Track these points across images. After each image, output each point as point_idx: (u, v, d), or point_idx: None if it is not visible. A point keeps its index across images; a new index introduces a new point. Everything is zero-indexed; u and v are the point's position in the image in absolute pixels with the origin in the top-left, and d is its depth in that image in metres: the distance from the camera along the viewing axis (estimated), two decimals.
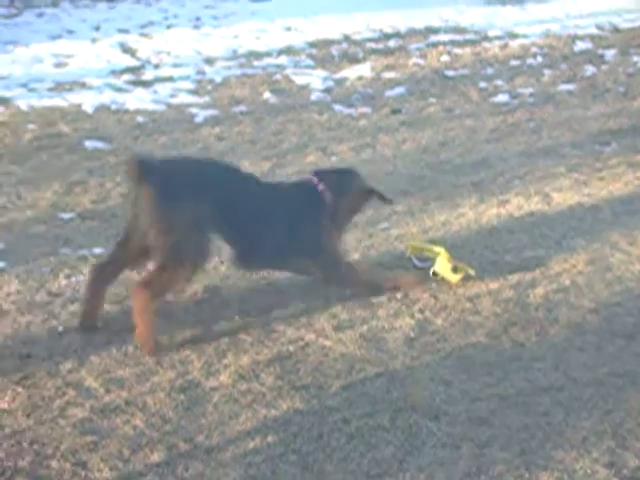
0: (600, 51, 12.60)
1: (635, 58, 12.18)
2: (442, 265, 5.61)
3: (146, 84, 10.72)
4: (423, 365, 4.73)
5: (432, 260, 5.71)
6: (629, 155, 8.17)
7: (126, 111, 9.59)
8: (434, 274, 5.63)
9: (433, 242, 5.95)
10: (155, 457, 4.02)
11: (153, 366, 4.76)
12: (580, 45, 12.99)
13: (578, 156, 8.17)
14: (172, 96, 10.28)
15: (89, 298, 5.19)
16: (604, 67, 11.83)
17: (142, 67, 11.49)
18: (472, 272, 5.62)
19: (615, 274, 5.73)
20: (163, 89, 10.50)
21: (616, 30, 13.89)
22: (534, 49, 12.72)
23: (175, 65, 11.62)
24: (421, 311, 5.31)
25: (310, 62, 12.00)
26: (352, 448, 4.06)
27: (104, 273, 5.20)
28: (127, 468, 3.95)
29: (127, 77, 10.91)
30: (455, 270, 5.59)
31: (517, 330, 5.07)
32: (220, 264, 5.96)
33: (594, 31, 13.76)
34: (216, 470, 3.93)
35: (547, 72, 11.57)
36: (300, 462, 3.97)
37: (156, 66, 11.58)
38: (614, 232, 6.35)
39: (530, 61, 12.12)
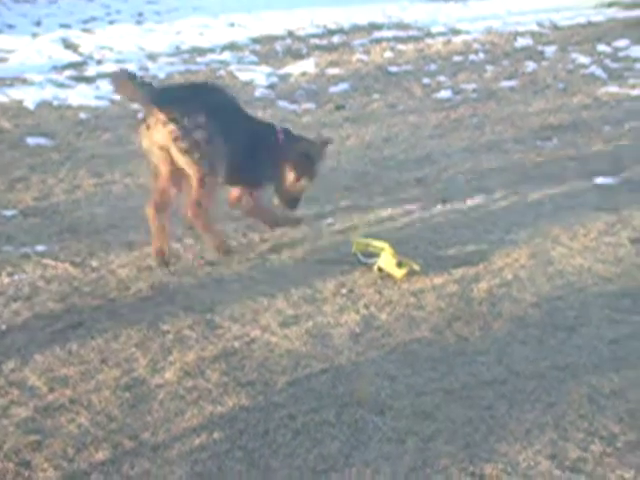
0: (540, 47, 12.74)
1: (574, 55, 12.33)
2: (387, 260, 5.65)
3: (89, 80, 10.64)
4: (368, 360, 4.75)
5: (377, 256, 5.74)
6: (570, 150, 8.27)
7: (68, 107, 9.51)
8: (379, 269, 5.67)
9: (377, 238, 5.98)
10: (100, 455, 4.00)
11: (98, 364, 4.73)
12: (521, 41, 13.12)
13: (520, 151, 8.26)
14: (115, 92, 10.19)
15: (156, 235, 5.84)
16: (544, 63, 11.97)
17: (84, 63, 11.40)
18: (416, 267, 5.66)
19: (556, 268, 5.80)
20: (106, 85, 10.42)
21: (555, 27, 14.06)
22: (476, 45, 12.83)
23: (118, 61, 11.54)
24: (366, 306, 5.34)
25: (254, 58, 11.99)
26: (298, 444, 4.07)
27: (159, 208, 5.82)
28: (72, 467, 3.92)
29: (69, 73, 10.82)
30: (399, 265, 5.63)
31: (461, 324, 5.11)
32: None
33: (534, 28, 13.91)
34: (162, 468, 3.92)
35: (489, 68, 11.68)
36: (246, 458, 3.97)
37: (99, 62, 11.49)
38: (555, 226, 6.43)
39: (472, 57, 12.22)
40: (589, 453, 3.98)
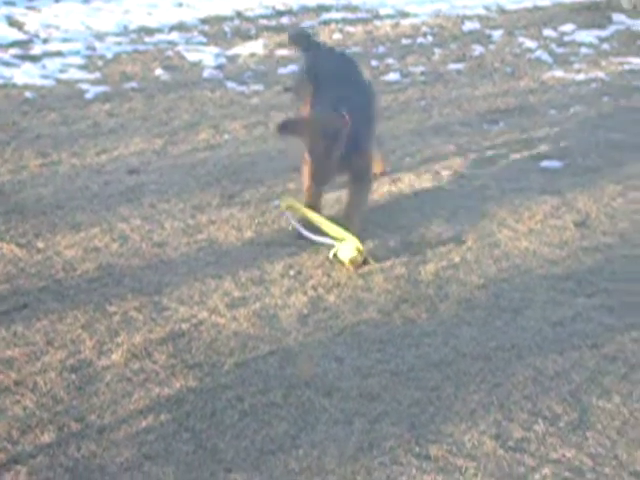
0: (488, 31, 12.79)
1: (521, 39, 12.40)
2: (346, 251, 5.59)
3: (34, 59, 10.50)
4: (316, 342, 4.77)
5: (329, 237, 5.71)
6: (516, 133, 8.33)
7: (14, 86, 9.38)
8: (335, 257, 5.62)
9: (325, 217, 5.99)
10: (46, 438, 3.98)
11: (43, 346, 4.70)
12: (469, 25, 13.16)
13: (467, 134, 8.30)
14: (61, 71, 10.09)
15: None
16: (492, 47, 12.03)
17: (30, 41, 11.24)
18: (372, 261, 5.63)
19: (502, 250, 5.86)
20: (52, 64, 10.29)
21: (502, 11, 14.11)
22: (424, 28, 12.85)
23: (64, 40, 11.40)
24: (314, 288, 5.35)
25: (202, 39, 11.92)
26: (245, 425, 4.08)
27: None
28: (16, 449, 3.90)
29: (14, 51, 10.67)
30: (357, 257, 5.58)
31: (408, 307, 5.15)
32: (112, 241, 5.90)
33: (482, 12, 13.95)
34: (109, 449, 3.91)
35: (437, 51, 11.71)
36: (193, 440, 3.98)
37: (45, 40, 11.34)
38: (501, 209, 6.48)
39: (421, 40, 12.24)
40: (532, 433, 4.03)
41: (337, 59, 6.89)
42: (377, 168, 6.76)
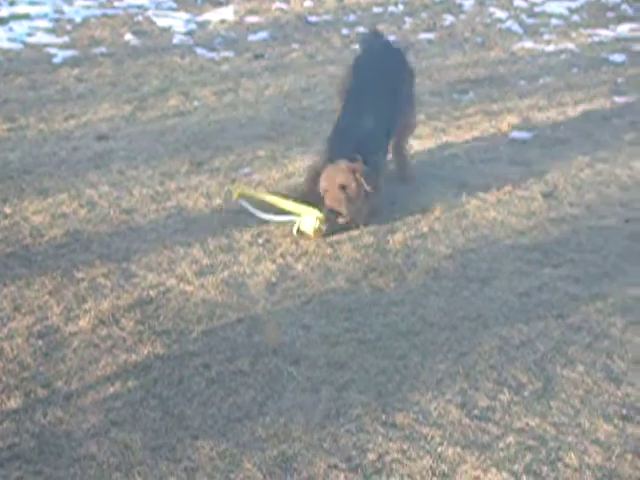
0: (458, 1, 12.78)
1: (491, 9, 12.40)
2: (308, 223, 5.59)
3: (1, 21, 10.38)
4: (284, 310, 4.78)
5: (286, 213, 5.69)
6: (485, 104, 8.35)
7: None
8: (299, 231, 5.62)
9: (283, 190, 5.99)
10: (12, 403, 3.97)
11: (10, 312, 4.68)
12: None
13: (437, 104, 8.31)
14: (29, 35, 9.99)
15: None
16: (462, 17, 12.02)
17: None
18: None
19: (470, 221, 5.88)
20: (19, 27, 10.19)
21: None
22: None
23: (32, 3, 11.27)
24: (282, 256, 5.36)
25: (172, 4, 11.82)
26: (212, 393, 4.09)
27: None
28: None
29: None
30: (319, 226, 5.59)
31: (376, 275, 5.16)
32: (80, 207, 5.87)
33: None
34: (75, 416, 3.91)
35: (408, 20, 11.69)
36: (161, 407, 3.99)
37: (11, 3, 11.20)
38: (470, 180, 6.50)
39: (392, 9, 12.21)
40: (497, 402, 4.07)
41: (381, 59, 6.60)
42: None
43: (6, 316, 4.64)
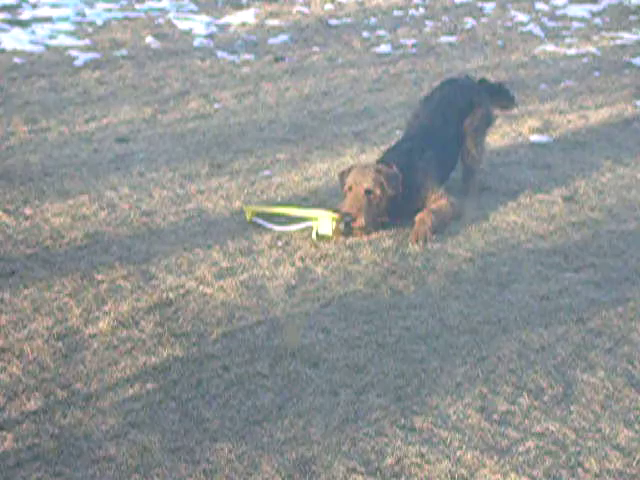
0: (480, 4, 12.76)
1: (513, 12, 12.37)
2: (325, 226, 5.59)
3: (23, 24, 10.44)
4: (303, 313, 4.78)
5: (301, 220, 5.67)
6: None
7: (2, 51, 9.34)
8: (318, 236, 5.60)
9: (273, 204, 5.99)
10: (32, 404, 3.98)
11: (30, 313, 4.69)
12: None
13: None
14: (51, 37, 10.04)
15: None
16: (483, 20, 12.00)
17: (19, 6, 11.18)
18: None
19: (490, 224, 5.86)
20: (41, 30, 10.24)
21: None
22: (416, 0, 12.81)
23: (54, 5, 11.33)
24: (302, 259, 5.36)
25: (193, 7, 11.86)
26: (231, 395, 4.09)
27: None
28: (2, 416, 3.90)
29: (3, 16, 10.61)
30: (337, 227, 5.59)
31: (396, 279, 5.16)
32: (100, 209, 5.88)
33: None
34: (95, 417, 3.92)
35: (429, 24, 11.68)
36: (179, 409, 3.99)
37: (34, 6, 11.27)
38: (491, 182, 6.47)
39: (412, 12, 12.20)
40: (517, 406, 4.06)
41: (450, 94, 6.54)
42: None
43: (26, 317, 4.66)
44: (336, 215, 5.61)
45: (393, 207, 5.82)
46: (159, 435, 3.82)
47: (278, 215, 5.80)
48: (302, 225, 5.66)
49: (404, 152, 6.06)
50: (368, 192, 5.70)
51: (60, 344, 4.44)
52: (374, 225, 5.74)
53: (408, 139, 6.25)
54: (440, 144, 6.13)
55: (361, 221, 5.65)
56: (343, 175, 5.91)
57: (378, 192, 5.71)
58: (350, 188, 5.75)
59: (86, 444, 3.76)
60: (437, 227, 5.69)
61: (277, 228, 5.69)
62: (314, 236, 5.59)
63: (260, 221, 5.75)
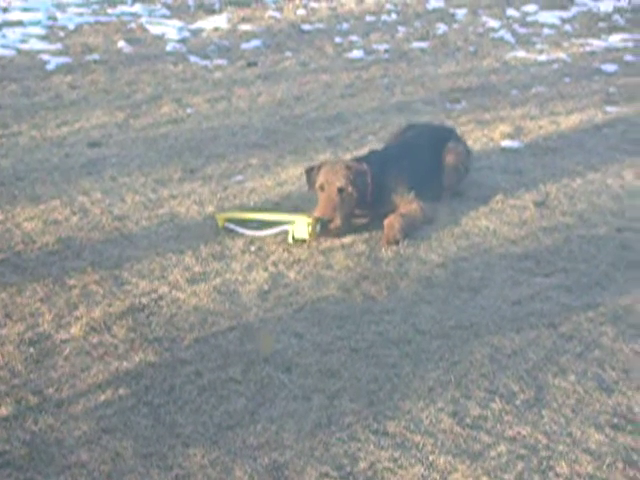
0: (452, 10, 12.83)
1: (484, 18, 12.45)
2: (300, 229, 5.60)
3: None
4: (276, 318, 4.78)
5: (275, 225, 5.68)
6: (478, 113, 8.37)
7: None
8: (294, 239, 5.61)
9: (269, 201, 6.00)
10: (3, 411, 3.96)
11: (1, 318, 4.67)
12: (433, 3, 13.19)
13: (430, 113, 8.33)
14: (22, 41, 10.00)
15: None
16: (455, 26, 12.06)
17: None
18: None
19: (463, 229, 5.89)
20: (12, 34, 10.20)
21: None
22: (388, 6, 12.85)
23: (25, 9, 11.28)
24: (275, 264, 5.36)
25: (165, 12, 11.84)
26: (204, 400, 4.09)
27: None
28: None
29: None
30: (313, 229, 5.60)
31: (368, 284, 5.16)
32: (72, 214, 5.86)
33: None
34: (67, 423, 3.90)
35: (401, 29, 11.72)
36: (152, 414, 3.98)
37: (4, 10, 11.22)
38: (463, 187, 6.51)
39: (385, 18, 12.25)
40: (489, 410, 4.07)
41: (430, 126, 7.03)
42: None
43: None
44: (311, 218, 5.63)
45: (364, 207, 5.84)
46: (131, 441, 3.81)
47: (251, 221, 5.79)
48: (275, 230, 5.66)
49: (379, 155, 6.11)
50: (341, 190, 5.72)
51: (31, 350, 4.41)
52: (349, 224, 5.76)
53: (386, 148, 6.36)
54: (417, 160, 6.18)
55: (337, 222, 5.67)
56: (311, 172, 5.92)
57: (350, 189, 5.74)
58: (322, 187, 5.77)
59: (58, 450, 3.74)
60: (407, 231, 5.71)
61: (249, 233, 5.69)
62: (290, 240, 5.60)
63: (232, 226, 5.74)
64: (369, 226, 5.86)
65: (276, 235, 5.65)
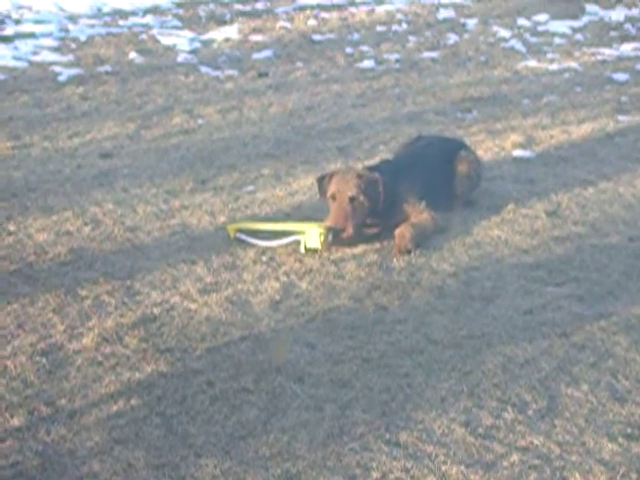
0: (462, 20, 12.83)
1: (495, 28, 12.44)
2: (312, 238, 5.60)
3: (6, 40, 10.43)
4: (288, 328, 4.78)
5: (287, 234, 5.68)
6: (489, 123, 8.37)
7: None
8: (306, 249, 5.62)
9: (283, 211, 6.01)
10: (15, 421, 3.96)
11: (14, 329, 4.68)
12: (443, 13, 13.19)
13: (441, 123, 8.33)
14: (34, 53, 10.04)
15: None
16: (466, 36, 12.06)
17: (2, 22, 11.18)
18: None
19: (474, 239, 5.88)
20: (24, 46, 10.24)
21: (477, 0, 14.16)
22: (399, 16, 12.87)
23: (37, 21, 11.33)
24: (286, 274, 5.36)
25: (177, 23, 11.88)
26: (216, 410, 4.09)
27: None
28: None
29: None
30: (324, 239, 5.61)
31: (380, 293, 5.16)
32: (84, 225, 5.87)
33: (457, 0, 13.99)
34: (79, 434, 3.90)
35: (412, 39, 11.73)
36: (164, 425, 3.98)
37: (17, 21, 11.27)
38: (474, 197, 6.50)
39: (395, 28, 12.26)
40: (501, 420, 4.06)
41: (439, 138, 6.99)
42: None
43: (10, 334, 4.64)
44: (323, 227, 5.63)
45: (375, 216, 5.85)
46: (143, 451, 3.81)
47: (263, 231, 5.79)
48: (287, 240, 5.66)
49: (391, 164, 6.13)
50: (352, 199, 5.72)
51: (44, 360, 4.42)
52: (360, 233, 5.76)
53: (397, 158, 6.38)
54: (428, 169, 6.18)
55: (349, 231, 5.68)
56: (323, 181, 5.93)
57: (362, 198, 5.74)
58: (333, 196, 5.78)
59: (70, 461, 3.74)
60: (418, 240, 5.71)
61: (262, 244, 5.69)
62: (302, 250, 5.60)
63: (243, 237, 5.74)
64: (380, 236, 5.86)
65: (287, 245, 5.65)
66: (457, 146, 6.61)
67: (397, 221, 5.84)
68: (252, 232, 5.78)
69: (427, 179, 6.11)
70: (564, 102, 9.13)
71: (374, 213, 5.85)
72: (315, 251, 5.61)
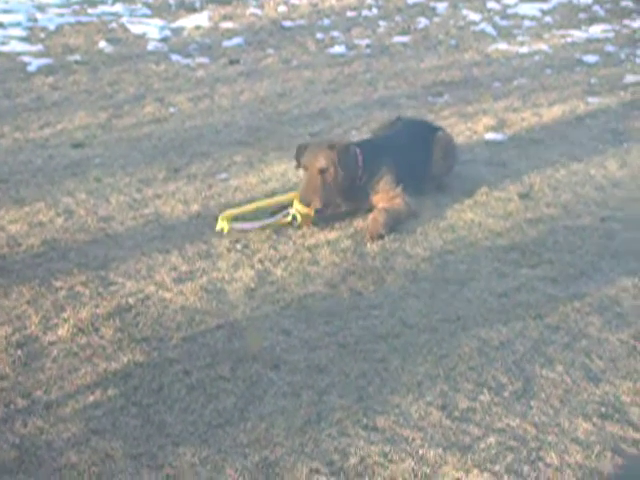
0: (432, 4, 12.83)
1: (465, 12, 12.45)
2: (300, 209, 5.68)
3: None
4: (263, 315, 4.78)
5: (279, 212, 5.73)
6: (460, 106, 8.38)
7: None
8: (294, 218, 5.67)
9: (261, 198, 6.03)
10: None
11: None
12: None
13: (413, 107, 8.34)
14: (2, 43, 9.96)
15: None
16: (436, 20, 12.07)
17: None
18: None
19: (448, 222, 5.90)
20: None
21: None
22: (369, 1, 12.85)
23: (5, 11, 11.23)
24: (261, 261, 5.36)
25: (146, 11, 11.81)
26: (193, 399, 4.09)
27: None
28: None
29: None
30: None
31: (355, 279, 5.17)
32: (57, 216, 5.85)
33: None
34: (56, 425, 3.89)
35: (382, 24, 11.72)
36: (141, 414, 3.98)
37: None
38: (447, 181, 6.52)
39: (365, 13, 12.24)
40: (478, 403, 4.09)
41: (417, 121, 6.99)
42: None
43: None
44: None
45: (349, 190, 5.85)
46: (121, 441, 3.81)
47: (255, 212, 5.77)
48: (280, 215, 5.69)
49: (371, 143, 6.19)
50: (322, 171, 5.72)
51: (19, 352, 4.40)
52: (331, 204, 5.78)
53: (378, 137, 6.43)
54: (406, 150, 6.18)
55: (316, 203, 5.69)
56: (300, 150, 5.92)
57: (332, 170, 5.74)
58: (305, 167, 5.79)
59: (47, 453, 3.74)
60: (391, 225, 5.72)
61: (259, 225, 5.69)
62: (295, 225, 5.69)
63: (239, 226, 5.71)
64: (354, 221, 5.86)
65: (261, 231, 5.65)
66: (435, 128, 6.62)
67: (371, 200, 5.87)
68: (244, 217, 5.74)
69: (405, 159, 6.13)
70: (535, 85, 9.16)
71: (351, 187, 5.84)
72: (309, 217, 5.67)
